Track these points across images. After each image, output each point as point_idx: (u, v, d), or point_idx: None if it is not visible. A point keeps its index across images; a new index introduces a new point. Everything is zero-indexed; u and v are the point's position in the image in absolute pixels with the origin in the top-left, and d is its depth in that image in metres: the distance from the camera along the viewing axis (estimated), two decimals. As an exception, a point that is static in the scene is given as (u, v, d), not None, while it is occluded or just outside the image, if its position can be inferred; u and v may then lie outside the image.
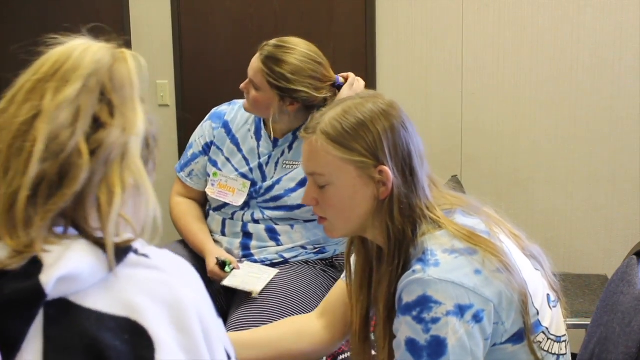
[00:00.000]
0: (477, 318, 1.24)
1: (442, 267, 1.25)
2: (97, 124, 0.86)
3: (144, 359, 0.79)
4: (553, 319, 1.34)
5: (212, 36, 3.28)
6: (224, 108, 2.33)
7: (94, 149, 0.85)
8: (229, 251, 2.23)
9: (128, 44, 3.57)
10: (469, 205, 1.37)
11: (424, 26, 2.82)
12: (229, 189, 2.23)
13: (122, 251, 0.83)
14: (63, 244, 0.81)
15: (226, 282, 2.10)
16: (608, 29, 2.52)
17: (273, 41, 2.11)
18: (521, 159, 2.89)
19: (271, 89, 2.09)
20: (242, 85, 2.15)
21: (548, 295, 1.36)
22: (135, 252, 0.85)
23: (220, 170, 2.26)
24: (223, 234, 2.26)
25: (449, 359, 1.23)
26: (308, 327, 1.57)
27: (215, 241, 2.26)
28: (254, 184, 2.21)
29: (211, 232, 2.30)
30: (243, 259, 2.21)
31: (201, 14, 3.33)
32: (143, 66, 0.93)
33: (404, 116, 1.34)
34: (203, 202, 2.36)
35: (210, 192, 2.26)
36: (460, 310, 1.23)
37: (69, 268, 0.78)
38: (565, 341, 1.36)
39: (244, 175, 2.23)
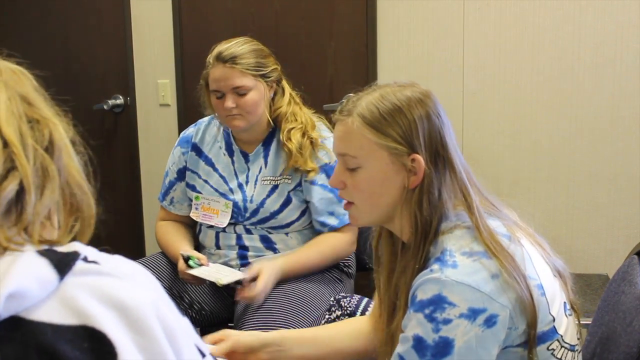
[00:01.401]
0: (489, 322, 1.23)
1: (459, 269, 1.24)
2: (30, 122, 0.86)
3: None
4: (568, 327, 1.34)
5: (213, 36, 3.27)
6: (190, 131, 2.33)
7: (46, 147, 0.86)
8: (225, 264, 2.22)
9: (129, 44, 3.57)
10: (495, 208, 1.36)
11: (425, 26, 2.82)
12: (212, 211, 2.22)
13: (70, 259, 0.81)
14: (8, 258, 0.79)
15: (193, 271, 2.08)
16: (609, 28, 2.51)
17: (219, 49, 2.11)
18: (522, 158, 2.89)
19: (257, 80, 2.10)
20: (229, 106, 2.08)
21: (564, 303, 1.35)
22: (85, 259, 0.83)
23: (200, 193, 2.25)
24: (218, 247, 2.24)
25: (453, 359, 1.23)
26: (364, 327, 1.58)
27: (212, 254, 2.25)
28: (236, 205, 2.19)
29: (205, 247, 2.29)
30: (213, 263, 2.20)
31: (202, 14, 3.33)
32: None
33: (439, 107, 1.34)
34: (189, 222, 2.35)
35: (195, 216, 2.26)
36: (473, 313, 1.22)
37: (17, 284, 0.75)
38: (577, 351, 1.35)
39: (224, 195, 2.21)
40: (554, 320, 1.30)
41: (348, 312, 1.74)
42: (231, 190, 2.21)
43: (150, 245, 3.60)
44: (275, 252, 2.19)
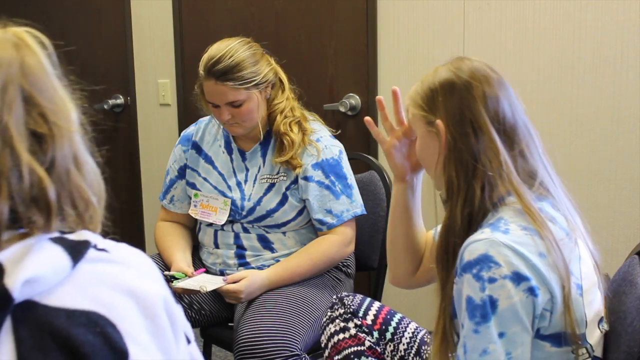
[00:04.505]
0: (532, 291, 1.26)
1: (510, 236, 1.29)
2: (37, 138, 0.84)
3: (119, 349, 0.80)
4: (600, 341, 1.37)
5: (213, 35, 3.26)
6: (191, 129, 2.34)
7: (48, 168, 0.85)
8: (224, 263, 2.23)
9: (129, 44, 3.57)
10: (562, 203, 1.41)
11: (425, 25, 2.82)
12: (211, 209, 2.22)
13: (82, 247, 0.84)
14: (22, 244, 0.81)
15: (179, 284, 2.08)
16: (610, 28, 2.51)
17: (210, 60, 2.07)
18: (522, 158, 2.88)
19: (250, 91, 2.09)
20: (225, 118, 2.10)
21: (602, 318, 1.38)
22: (95, 247, 0.86)
23: (199, 190, 2.26)
24: (216, 246, 2.24)
25: (496, 320, 1.25)
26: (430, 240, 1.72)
27: (210, 253, 2.26)
28: (233, 203, 2.19)
29: (204, 246, 2.29)
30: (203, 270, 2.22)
31: (202, 13, 3.33)
32: (46, 42, 0.90)
33: (475, 82, 1.39)
34: (189, 223, 2.36)
35: (194, 213, 2.26)
36: (518, 278, 1.25)
37: (33, 270, 0.78)
38: None
39: (222, 193, 2.22)
40: (586, 326, 1.33)
41: (351, 310, 1.75)
42: (229, 187, 2.22)
43: (150, 245, 3.60)
44: (273, 252, 2.19)
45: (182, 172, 2.32)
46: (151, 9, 3.47)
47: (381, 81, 2.93)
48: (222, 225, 2.21)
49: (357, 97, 2.99)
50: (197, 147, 2.29)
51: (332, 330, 1.75)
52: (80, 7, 3.72)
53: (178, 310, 0.90)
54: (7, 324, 0.77)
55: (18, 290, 0.76)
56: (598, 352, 1.37)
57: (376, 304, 1.79)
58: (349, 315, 1.74)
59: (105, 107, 3.65)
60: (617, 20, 2.51)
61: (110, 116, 3.71)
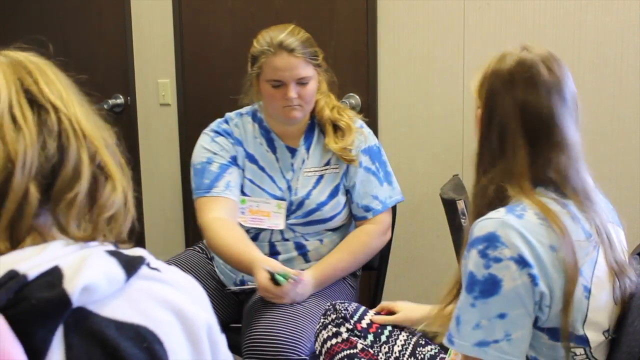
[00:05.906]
0: (533, 279, 1.26)
1: (522, 221, 1.28)
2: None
3: None
4: (603, 348, 1.37)
5: (214, 35, 3.28)
6: (226, 126, 2.20)
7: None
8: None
9: (129, 44, 3.57)
10: (589, 203, 1.40)
11: (425, 25, 2.82)
12: (263, 214, 2.13)
13: (137, 263, 0.86)
14: (80, 254, 0.83)
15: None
16: (610, 28, 2.51)
17: (278, 37, 2.04)
18: (522, 158, 2.88)
19: (315, 69, 2.10)
20: (293, 96, 2.03)
21: (610, 328, 1.38)
22: (148, 265, 0.88)
23: (247, 195, 2.15)
24: None
25: (499, 300, 1.26)
26: None
27: None
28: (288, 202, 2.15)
29: None
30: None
31: (202, 13, 3.33)
32: None
33: (525, 76, 1.39)
34: (237, 219, 2.14)
35: (243, 221, 2.11)
36: (522, 261, 1.26)
37: (91, 278, 0.80)
38: None
39: (275, 196, 2.14)
40: (583, 328, 1.32)
41: (342, 315, 1.76)
42: (281, 189, 2.16)
43: (151, 246, 3.60)
44: (306, 260, 2.17)
45: (234, 160, 2.16)
46: (151, 8, 3.47)
47: (381, 81, 2.93)
48: (257, 235, 2.15)
49: (357, 97, 2.99)
50: (241, 145, 2.18)
51: (325, 336, 1.76)
52: (80, 7, 3.71)
53: (222, 340, 0.92)
54: (59, 330, 0.79)
55: (77, 295, 0.78)
56: (599, 357, 1.37)
57: (372, 312, 1.80)
58: (341, 320, 1.75)
59: (105, 107, 3.64)
60: (617, 20, 2.51)
61: (110, 116, 3.70)
